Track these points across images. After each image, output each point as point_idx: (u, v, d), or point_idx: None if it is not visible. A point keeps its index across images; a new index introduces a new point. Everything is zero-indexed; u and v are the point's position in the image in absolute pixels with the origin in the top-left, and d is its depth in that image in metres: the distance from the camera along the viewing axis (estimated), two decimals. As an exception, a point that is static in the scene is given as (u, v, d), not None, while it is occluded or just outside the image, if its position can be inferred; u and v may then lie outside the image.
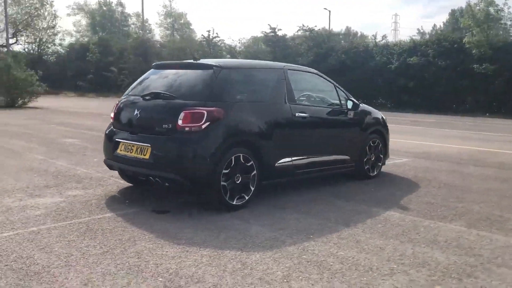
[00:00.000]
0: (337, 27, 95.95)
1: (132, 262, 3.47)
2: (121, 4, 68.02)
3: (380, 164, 6.92)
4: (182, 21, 70.90)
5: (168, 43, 40.51)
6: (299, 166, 5.63)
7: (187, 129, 4.65)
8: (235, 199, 4.87)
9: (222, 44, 35.45)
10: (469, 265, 3.58)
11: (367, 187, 6.21)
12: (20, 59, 22.51)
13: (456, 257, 3.72)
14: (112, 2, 67.26)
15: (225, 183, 4.76)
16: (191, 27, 72.10)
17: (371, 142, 6.69)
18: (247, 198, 4.98)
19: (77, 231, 4.14)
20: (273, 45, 31.29)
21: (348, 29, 73.63)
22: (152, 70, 5.63)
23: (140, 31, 54.05)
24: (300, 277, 3.27)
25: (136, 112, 5.04)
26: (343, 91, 6.43)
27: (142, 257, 3.57)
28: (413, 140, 11.58)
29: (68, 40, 45.57)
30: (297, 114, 5.52)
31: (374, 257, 3.68)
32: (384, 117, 7.21)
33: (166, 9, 67.98)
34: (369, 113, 6.86)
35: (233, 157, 4.81)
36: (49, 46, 43.40)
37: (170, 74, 5.30)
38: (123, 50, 38.75)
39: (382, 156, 6.91)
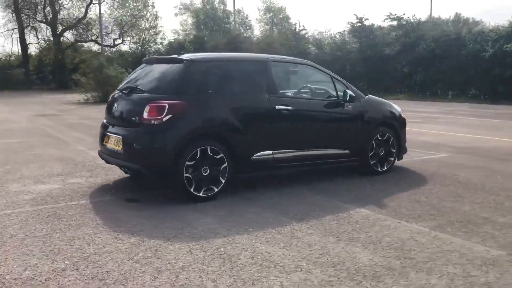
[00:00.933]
0: (445, 14, 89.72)
1: (57, 245, 3.74)
2: (223, 2, 70.31)
3: (392, 159, 6.52)
4: (281, 16, 71.41)
5: (264, 38, 41.13)
6: (282, 160, 5.55)
7: (151, 121, 4.83)
8: (202, 191, 4.96)
9: (310, 37, 35.13)
10: (387, 268, 3.34)
11: (362, 183, 5.92)
12: (113, 59, 24.41)
13: (382, 259, 3.49)
14: (214, 1, 69.73)
15: (189, 175, 4.87)
16: (290, 21, 72.32)
17: (378, 136, 6.34)
18: (216, 190, 5.04)
19: (41, 215, 4.53)
20: (359, 36, 30.35)
21: (457, 15, 68.78)
22: (142, 65, 5.89)
23: (240, 27, 55.47)
24: (196, 269, 3.30)
25: (115, 106, 5.35)
26: (343, 83, 6.17)
27: (71, 242, 3.83)
28: (476, 134, 10.64)
29: (171, 39, 48.17)
30: (277, 107, 5.43)
31: (292, 254, 3.58)
32: (398, 110, 6.78)
33: (266, 4, 68.93)
34: (376, 105, 6.52)
35: (198, 150, 4.90)
36: (151, 45, 46.25)
37: (152, 69, 5.51)
38: (215, 46, 40.09)
39: (394, 150, 6.51)
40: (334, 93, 6.13)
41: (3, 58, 42.77)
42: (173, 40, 45.12)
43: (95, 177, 6.17)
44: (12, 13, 41.99)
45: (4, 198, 5.17)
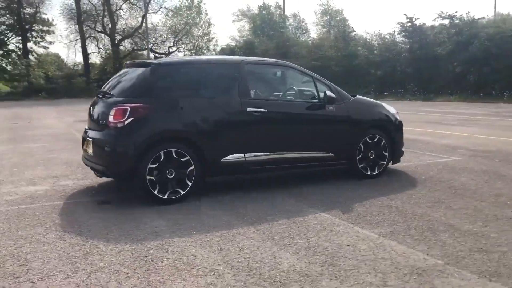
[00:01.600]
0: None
1: (1, 244, 3.90)
2: (279, 7, 70.50)
3: (384, 163, 6.25)
4: (338, 18, 70.52)
5: (313, 41, 40.85)
6: (256, 163, 5.48)
7: (116, 125, 4.93)
8: (167, 193, 4.99)
9: (359, 38, 34.44)
10: (303, 274, 3.21)
11: (345, 187, 5.72)
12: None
13: (304, 265, 3.36)
14: (271, 6, 70.00)
15: (153, 177, 4.92)
16: (347, 23, 71.22)
17: (367, 138, 6.10)
18: (183, 193, 5.06)
19: (9, 215, 4.74)
20: (409, 36, 29.36)
21: (517, 12, 64.77)
22: (124, 69, 6.01)
23: (296, 31, 55.28)
24: (112, 270, 3.33)
25: (91, 110, 5.51)
26: (326, 84, 6.00)
27: (16, 240, 3.98)
28: (507, 137, 9.97)
29: (223, 45, 49.00)
30: (249, 109, 5.37)
31: (216, 257, 3.53)
32: (393, 112, 6.49)
33: (323, 7, 68.35)
34: (364, 106, 6.28)
35: (162, 152, 4.94)
36: (204, 51, 47.25)
37: (128, 72, 5.61)
38: (265, 51, 40.28)
39: (386, 154, 6.24)
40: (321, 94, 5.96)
41: (70, 67, 45.37)
42: (225, 46, 45.84)
43: (85, 179, 6.38)
44: (75, 25, 44.38)
45: (-11, 198, 5.47)
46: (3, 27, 50.05)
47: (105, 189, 5.92)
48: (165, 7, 44.11)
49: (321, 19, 69.87)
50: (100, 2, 43.64)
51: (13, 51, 49.30)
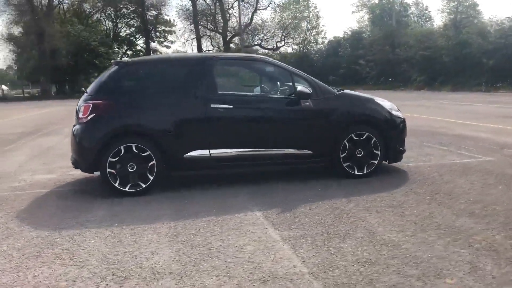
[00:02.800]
0: None
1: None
2: (400, -4, 67.24)
3: (375, 162, 5.84)
4: (467, 3, 65.24)
5: (421, 31, 38.50)
6: (223, 159, 5.50)
7: (83, 120, 5.33)
8: (128, 186, 5.26)
9: (472, 25, 31.55)
10: (135, 272, 3.24)
11: (316, 186, 5.47)
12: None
13: (154, 262, 3.38)
14: (391, -6, 67.04)
15: (113, 170, 5.22)
16: (478, 8, 65.46)
17: (353, 135, 5.75)
18: (144, 186, 5.29)
19: (-5, 200, 5.39)
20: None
21: None
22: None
23: (418, 20, 52.47)
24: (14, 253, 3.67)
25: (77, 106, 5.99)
26: (305, 78, 5.77)
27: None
28: None
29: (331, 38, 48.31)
30: (213, 106, 5.41)
31: (80, 251, 3.66)
32: (388, 107, 6.01)
33: (450, -8, 63.69)
34: (349, 101, 5.91)
35: (122, 147, 5.21)
36: (312, 45, 47.16)
37: (108, 70, 5.90)
38: (372, 42, 38.95)
39: (378, 152, 5.82)
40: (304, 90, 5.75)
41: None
42: (332, 39, 45.20)
43: (94, 171, 6.90)
44: (190, 25, 47.13)
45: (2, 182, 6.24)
46: (132, 29, 54.95)
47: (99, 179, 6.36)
48: (274, 2, 44.46)
49: (447, 5, 65.13)
50: (212, 2, 45.72)
51: (140, 51, 53.85)
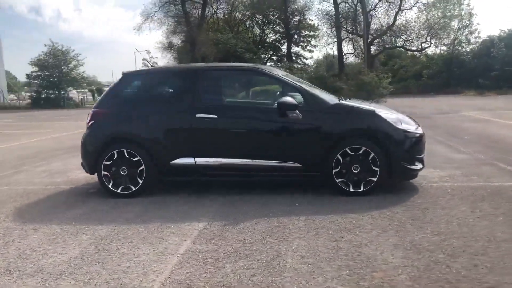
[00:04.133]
0: None
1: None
2: None
3: (374, 179, 5.37)
4: None
5: None
6: (208, 167, 5.58)
7: (87, 126, 5.91)
8: (120, 188, 5.68)
9: None
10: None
11: (297, 200, 5.27)
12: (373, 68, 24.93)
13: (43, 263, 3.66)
14: None
15: (107, 173, 5.69)
16: None
17: (348, 150, 5.37)
18: (134, 189, 5.66)
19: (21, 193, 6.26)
20: None
21: None
22: None
23: None
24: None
25: None
26: (299, 89, 5.56)
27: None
28: None
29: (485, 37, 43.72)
30: (198, 115, 5.53)
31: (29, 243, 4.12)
32: (392, 120, 5.44)
33: None
34: (345, 113, 5.48)
35: (115, 152, 5.65)
36: (463, 45, 43.29)
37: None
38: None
39: (377, 169, 5.34)
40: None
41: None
42: (486, 38, 40.97)
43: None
44: (331, 28, 46.96)
45: (29, 173, 7.18)
46: (278, 35, 56.85)
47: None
48: (420, 1, 41.74)
49: None
50: (353, 4, 44.92)
51: (284, 55, 55.38)
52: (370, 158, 5.33)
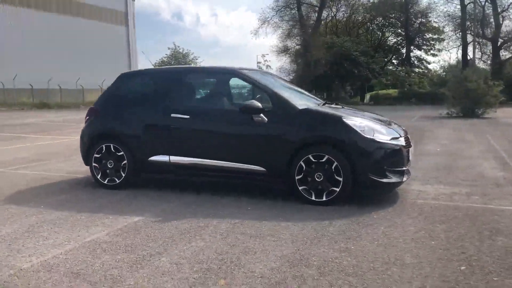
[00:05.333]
0: None
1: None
2: None
3: (337, 189, 5.12)
4: None
5: None
6: (181, 166, 5.78)
7: (85, 122, 6.49)
8: (107, 179, 6.15)
9: None
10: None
11: (250, 205, 5.21)
12: (481, 73, 22.80)
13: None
14: None
15: (96, 165, 6.19)
16: None
17: (311, 157, 5.19)
18: (117, 181, 6.08)
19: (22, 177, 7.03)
20: None
21: None
22: None
23: None
24: None
25: None
26: (269, 93, 5.50)
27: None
28: None
29: None
30: (173, 115, 5.76)
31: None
32: (360, 129, 5.11)
33: None
34: (310, 119, 5.28)
35: (103, 146, 6.11)
36: None
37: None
38: None
39: (340, 179, 5.09)
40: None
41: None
42: None
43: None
44: (455, 31, 43.83)
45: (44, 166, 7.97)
46: (399, 38, 54.74)
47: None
48: None
49: None
50: (482, 4, 41.41)
51: (404, 59, 53.16)
52: (333, 167, 5.07)
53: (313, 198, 5.17)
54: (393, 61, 56.19)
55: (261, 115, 5.32)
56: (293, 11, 47.13)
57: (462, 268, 3.36)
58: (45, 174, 7.24)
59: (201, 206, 5.21)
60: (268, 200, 5.43)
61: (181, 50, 44.53)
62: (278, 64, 50.87)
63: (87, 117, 6.42)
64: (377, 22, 54.35)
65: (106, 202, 5.42)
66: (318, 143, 5.20)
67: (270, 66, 50.37)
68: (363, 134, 5.06)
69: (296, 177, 5.21)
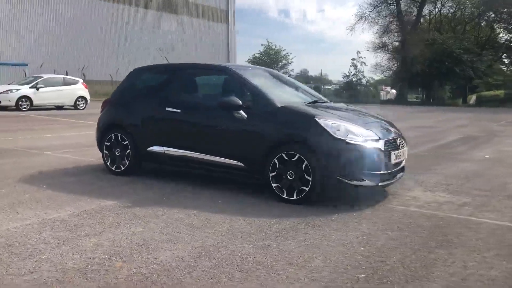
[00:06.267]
0: None
1: None
2: None
3: (306, 189, 5.10)
4: None
5: None
6: (173, 157, 6.08)
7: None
8: (114, 166, 6.66)
9: None
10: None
11: (219, 199, 5.36)
12: None
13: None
14: None
15: (107, 152, 6.72)
16: None
17: (284, 155, 5.21)
18: (123, 168, 6.56)
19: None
20: None
21: None
22: None
23: None
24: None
25: None
26: (251, 90, 5.60)
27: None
28: None
29: None
30: (167, 109, 6.08)
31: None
32: (331, 128, 5.00)
33: None
34: (286, 117, 5.28)
35: (112, 135, 6.62)
36: None
37: None
38: None
39: (310, 178, 5.06)
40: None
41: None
42: None
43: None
44: None
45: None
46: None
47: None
48: None
49: None
50: None
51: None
52: (303, 166, 5.05)
53: (285, 196, 5.18)
54: (504, 59, 51.86)
55: (241, 111, 5.42)
56: (391, 6, 45.46)
57: (361, 276, 3.24)
58: (78, 159, 7.96)
59: (178, 195, 5.46)
60: (244, 195, 5.52)
61: (273, 47, 45.08)
62: (376, 60, 49.25)
63: (102, 108, 6.97)
64: (487, 17, 50.37)
65: (100, 187, 5.88)
66: (291, 141, 5.18)
67: (365, 63, 49.13)
68: (333, 134, 4.97)
69: (270, 174, 5.25)
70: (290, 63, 45.92)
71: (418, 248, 3.83)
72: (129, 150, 6.41)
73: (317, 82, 61.93)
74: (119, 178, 6.38)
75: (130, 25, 42.89)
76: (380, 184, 5.13)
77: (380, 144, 5.11)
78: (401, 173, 5.76)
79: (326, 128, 5.02)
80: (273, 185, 5.25)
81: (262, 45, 44.89)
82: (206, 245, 3.81)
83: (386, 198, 5.50)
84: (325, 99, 6.59)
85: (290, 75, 47.59)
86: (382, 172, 5.11)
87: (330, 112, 5.45)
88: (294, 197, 5.12)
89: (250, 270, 3.30)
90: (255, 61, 44.77)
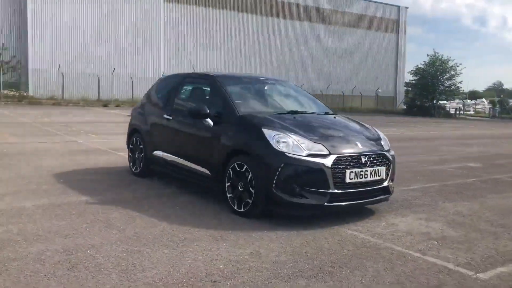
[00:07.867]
0: None
1: None
2: None
3: (250, 201, 4.91)
4: None
5: None
6: (168, 163, 6.36)
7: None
8: (134, 168, 7.21)
9: None
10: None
11: (178, 204, 5.46)
12: None
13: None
14: None
15: (130, 154, 7.33)
16: None
17: (236, 165, 5.10)
18: (139, 170, 7.09)
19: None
20: None
21: None
22: None
23: None
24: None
25: None
26: (222, 99, 5.63)
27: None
28: None
29: None
30: (165, 116, 6.42)
31: None
32: (269, 140, 4.76)
33: None
34: (238, 127, 5.17)
35: (134, 139, 7.22)
36: None
37: None
38: None
39: (253, 191, 4.84)
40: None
41: None
42: None
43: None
44: None
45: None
46: None
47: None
48: None
49: None
50: None
51: None
52: (249, 178, 4.90)
53: (236, 207, 5.06)
54: None
55: (208, 119, 5.48)
56: None
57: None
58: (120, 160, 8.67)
59: (156, 199, 5.69)
60: (201, 202, 5.53)
61: (440, 57, 42.12)
62: None
63: (131, 113, 7.62)
64: None
65: (105, 185, 6.39)
66: (242, 152, 5.06)
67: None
68: (274, 146, 4.71)
69: (226, 184, 5.18)
70: (459, 75, 42.31)
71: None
72: (142, 154, 6.90)
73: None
74: (131, 177, 6.90)
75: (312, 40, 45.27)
76: (327, 204, 4.65)
77: (328, 160, 4.64)
78: (384, 195, 5.14)
79: (268, 139, 4.78)
80: (228, 195, 5.15)
81: (427, 55, 42.31)
82: (116, 247, 3.98)
83: (354, 222, 4.92)
84: (329, 111, 6.22)
85: (458, 88, 43.79)
86: (330, 191, 4.64)
87: (285, 123, 5.12)
88: (242, 209, 4.97)
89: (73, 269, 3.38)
90: (418, 72, 42.61)
